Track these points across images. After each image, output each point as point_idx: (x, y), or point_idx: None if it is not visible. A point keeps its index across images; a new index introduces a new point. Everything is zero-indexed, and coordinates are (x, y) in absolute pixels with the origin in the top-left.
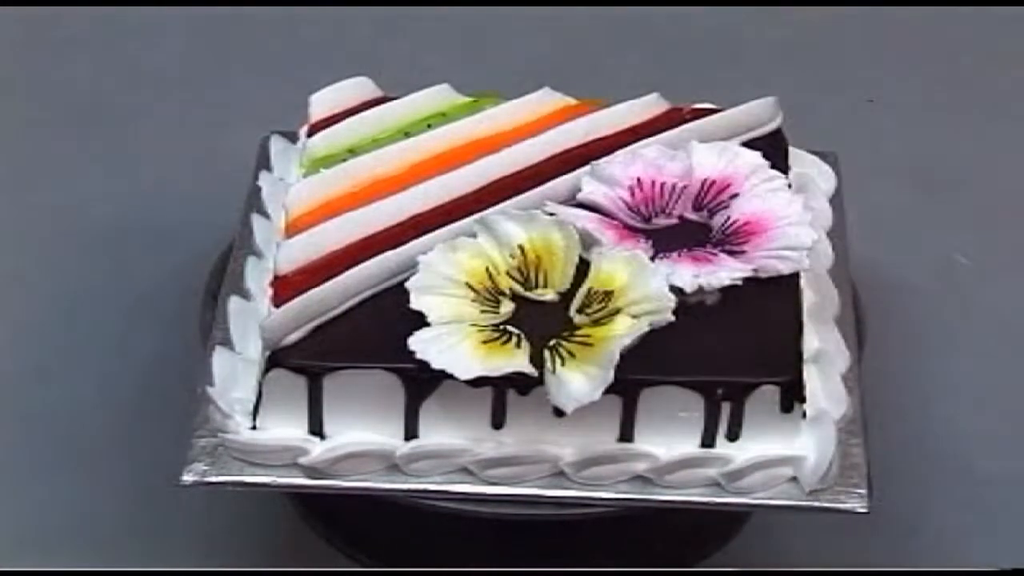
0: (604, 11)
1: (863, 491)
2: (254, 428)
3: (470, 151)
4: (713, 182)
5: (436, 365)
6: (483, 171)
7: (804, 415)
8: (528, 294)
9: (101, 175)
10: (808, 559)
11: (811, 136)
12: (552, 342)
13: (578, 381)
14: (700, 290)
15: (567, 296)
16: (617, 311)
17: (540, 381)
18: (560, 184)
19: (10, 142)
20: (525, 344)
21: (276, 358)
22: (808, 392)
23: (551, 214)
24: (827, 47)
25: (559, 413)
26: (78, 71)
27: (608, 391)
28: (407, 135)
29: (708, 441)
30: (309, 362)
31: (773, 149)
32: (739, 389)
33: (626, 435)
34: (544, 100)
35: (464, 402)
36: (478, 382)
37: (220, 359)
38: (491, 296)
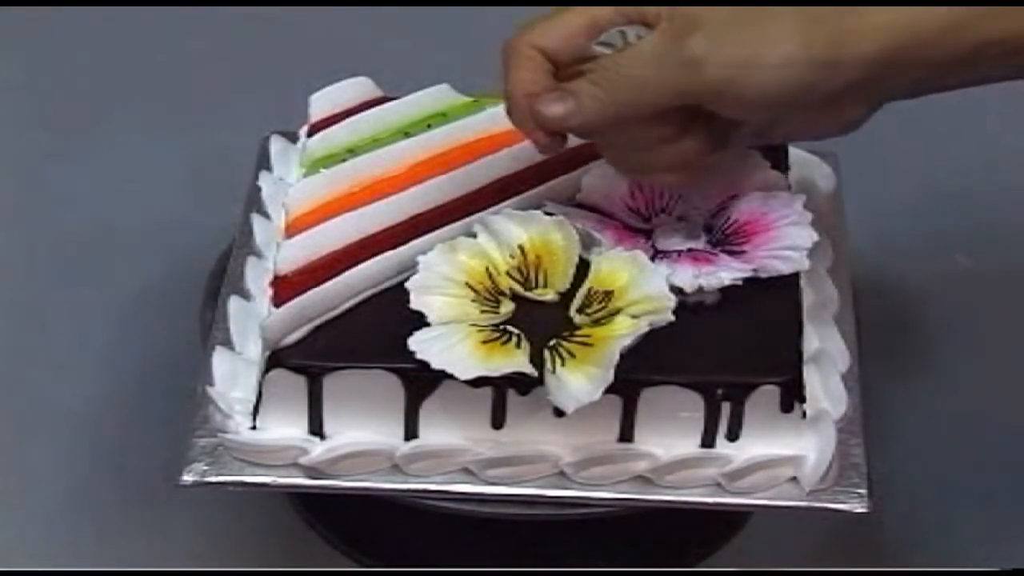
0: None
1: (863, 491)
2: (254, 428)
3: (470, 151)
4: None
5: (436, 365)
6: (483, 171)
7: (804, 415)
8: (528, 294)
9: (101, 175)
10: (808, 559)
11: None
12: (552, 342)
13: (578, 381)
14: (700, 290)
15: (567, 296)
16: (617, 311)
17: (540, 381)
18: (560, 184)
19: (10, 142)
20: (525, 344)
21: (276, 358)
22: (808, 392)
23: (551, 214)
24: None
25: (559, 413)
26: (78, 71)
27: (608, 391)
28: (407, 135)
29: (708, 441)
30: (309, 362)
31: (773, 149)
32: (739, 389)
33: (626, 435)
34: None
35: (464, 402)
36: (478, 382)
37: (220, 359)
38: (491, 296)
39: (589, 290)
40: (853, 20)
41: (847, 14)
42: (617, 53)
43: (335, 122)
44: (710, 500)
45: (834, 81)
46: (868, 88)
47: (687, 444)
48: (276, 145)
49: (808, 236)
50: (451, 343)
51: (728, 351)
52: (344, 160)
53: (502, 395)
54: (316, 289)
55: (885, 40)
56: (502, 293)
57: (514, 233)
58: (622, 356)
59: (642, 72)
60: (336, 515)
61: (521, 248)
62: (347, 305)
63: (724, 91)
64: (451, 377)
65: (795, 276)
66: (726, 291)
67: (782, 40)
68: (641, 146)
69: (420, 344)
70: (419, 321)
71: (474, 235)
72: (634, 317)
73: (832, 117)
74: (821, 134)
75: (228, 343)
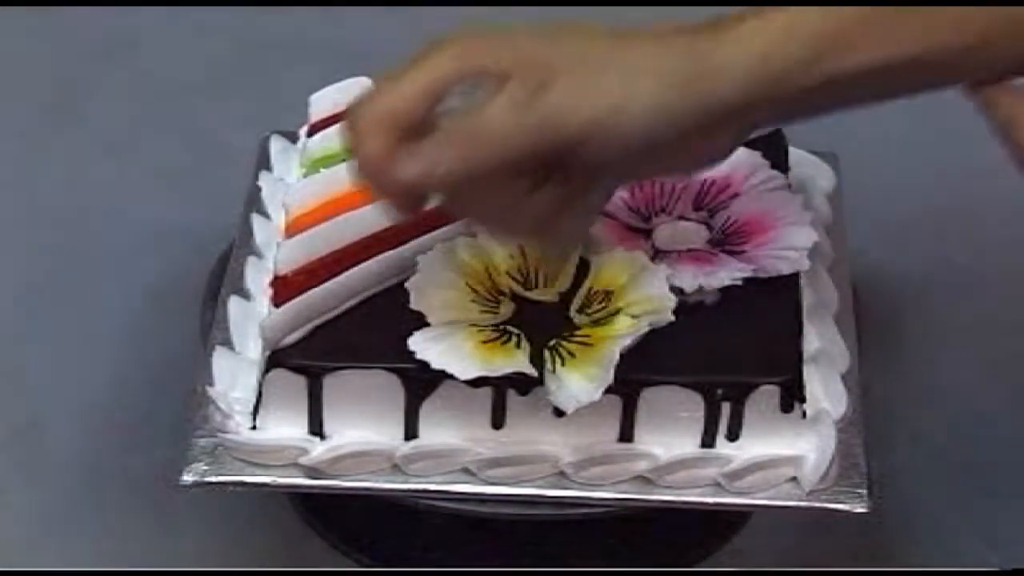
0: (604, 11)
1: (863, 491)
2: (254, 428)
3: None
4: (713, 182)
5: (436, 365)
6: None
7: (804, 415)
8: (528, 294)
9: (101, 175)
10: (808, 559)
11: (811, 136)
12: (552, 342)
13: (578, 381)
14: (700, 290)
15: (567, 296)
16: (617, 311)
17: (540, 381)
18: None
19: (10, 141)
20: (525, 344)
21: (276, 358)
22: (808, 392)
23: None
24: None
25: (559, 413)
26: (78, 71)
27: (608, 391)
28: None
29: (708, 441)
30: (309, 362)
31: (773, 149)
32: (739, 389)
33: (626, 435)
34: None
35: (464, 402)
36: (478, 382)
37: (220, 359)
38: (491, 296)
39: (589, 290)
40: (717, 55)
41: (710, 50)
42: (471, 112)
43: (335, 122)
44: (710, 500)
45: (698, 122)
46: (734, 124)
47: (687, 444)
48: (276, 145)
49: (808, 236)
50: (451, 343)
51: (728, 351)
52: (344, 160)
53: (502, 395)
54: (316, 289)
55: (749, 76)
56: (502, 293)
57: None
58: (622, 356)
59: (499, 131)
60: (336, 515)
61: (521, 248)
62: (347, 305)
63: (584, 144)
64: (451, 377)
65: (795, 276)
66: (726, 291)
67: (642, 89)
68: (497, 205)
69: (420, 344)
70: (419, 321)
71: (474, 235)
72: (634, 317)
73: (696, 155)
74: (687, 171)
75: (228, 343)
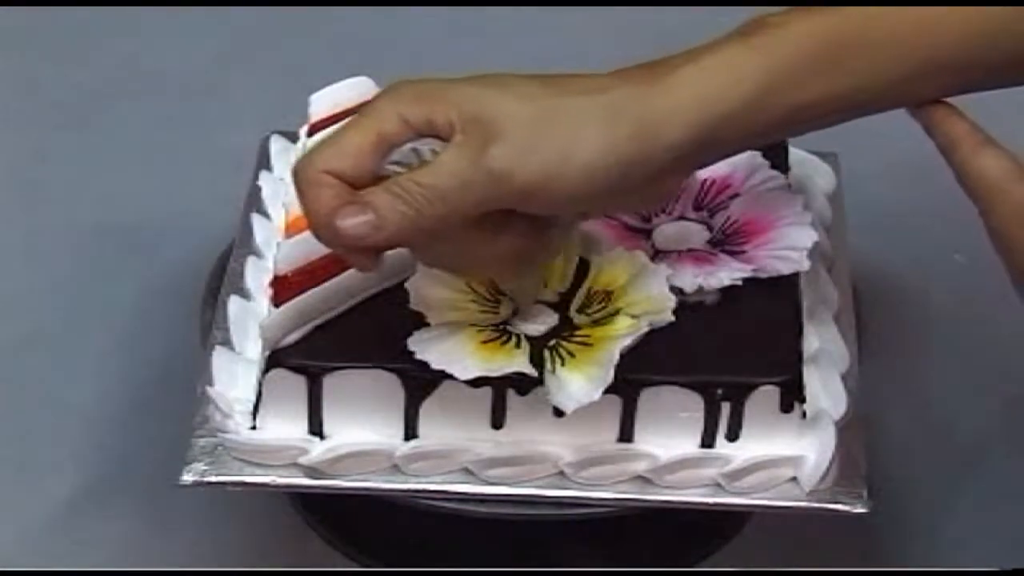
0: (604, 11)
1: (863, 491)
2: (254, 428)
3: None
4: (713, 182)
5: (436, 365)
6: None
7: (804, 415)
8: None
9: (101, 175)
10: (808, 559)
11: (811, 136)
12: (552, 342)
13: (578, 381)
14: (700, 290)
15: (567, 296)
16: (617, 311)
17: (540, 381)
18: None
19: (11, 141)
20: (525, 344)
21: (276, 358)
22: (808, 392)
23: None
24: None
25: (559, 413)
26: (78, 71)
27: (608, 391)
28: None
29: (708, 441)
30: (309, 362)
31: (773, 149)
32: (739, 389)
33: (626, 435)
34: None
35: (464, 402)
36: (478, 382)
37: (220, 359)
38: (491, 296)
39: (589, 290)
40: (658, 104)
41: (651, 98)
42: (416, 170)
43: (335, 122)
44: (710, 500)
45: (645, 171)
46: (681, 166)
47: (687, 444)
48: (276, 145)
49: (808, 236)
50: (451, 343)
51: (728, 351)
52: None
53: (502, 395)
54: (315, 289)
55: (692, 123)
56: (502, 293)
57: None
58: (622, 356)
59: (446, 187)
60: (336, 515)
61: None
62: (347, 305)
63: (533, 197)
64: (451, 377)
65: (795, 276)
66: (726, 291)
67: (586, 142)
68: (454, 250)
69: (420, 344)
70: (419, 321)
71: None
72: (634, 317)
73: (648, 195)
74: (640, 209)
75: (228, 343)
